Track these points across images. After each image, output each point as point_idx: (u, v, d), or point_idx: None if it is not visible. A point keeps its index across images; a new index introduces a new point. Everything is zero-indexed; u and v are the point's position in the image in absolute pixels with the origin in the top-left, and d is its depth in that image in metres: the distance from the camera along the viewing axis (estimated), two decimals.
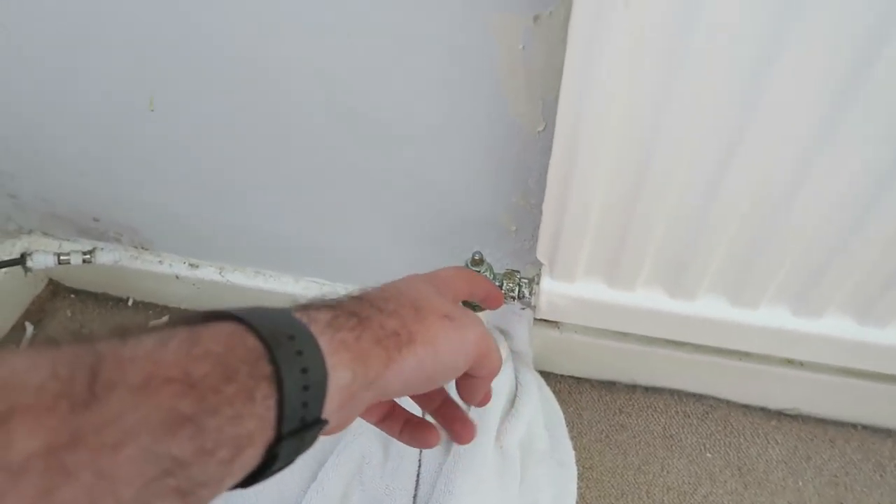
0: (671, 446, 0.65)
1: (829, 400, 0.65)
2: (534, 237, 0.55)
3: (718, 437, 0.66)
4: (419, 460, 0.54)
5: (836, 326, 0.46)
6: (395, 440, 0.35)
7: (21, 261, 0.68)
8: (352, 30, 0.42)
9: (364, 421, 0.33)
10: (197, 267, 0.70)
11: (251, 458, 0.20)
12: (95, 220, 0.68)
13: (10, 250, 0.71)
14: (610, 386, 0.70)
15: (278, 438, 0.20)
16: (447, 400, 0.35)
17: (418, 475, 0.54)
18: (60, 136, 0.58)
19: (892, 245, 0.39)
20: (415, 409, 0.36)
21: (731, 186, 0.38)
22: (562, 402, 0.62)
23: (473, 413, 0.40)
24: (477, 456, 0.52)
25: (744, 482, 0.63)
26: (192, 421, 0.18)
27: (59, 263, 0.68)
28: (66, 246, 0.72)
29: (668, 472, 0.64)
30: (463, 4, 0.38)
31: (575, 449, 0.59)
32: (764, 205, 0.39)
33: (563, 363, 0.69)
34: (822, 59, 0.31)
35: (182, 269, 0.70)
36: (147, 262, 0.70)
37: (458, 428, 0.33)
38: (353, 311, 0.25)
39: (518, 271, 0.51)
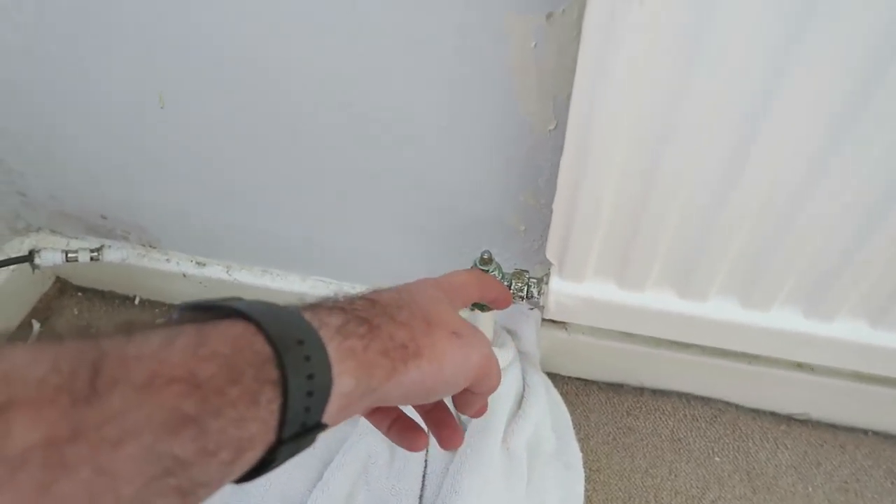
0: (679, 450, 0.65)
1: (840, 405, 0.64)
2: (543, 237, 0.55)
3: (727, 441, 0.65)
4: (425, 461, 0.54)
5: (849, 329, 0.45)
6: None
7: (29, 258, 0.68)
8: (361, 29, 0.42)
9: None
10: (204, 265, 0.70)
11: (251, 459, 0.20)
12: (103, 217, 0.68)
13: (19, 248, 0.71)
14: (617, 388, 0.69)
15: (278, 441, 0.20)
16: (440, 404, 0.35)
17: (424, 476, 0.54)
18: (70, 134, 0.58)
19: None
20: (408, 408, 0.36)
21: (743, 187, 0.37)
22: (569, 403, 0.61)
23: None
24: (483, 457, 0.51)
25: (752, 487, 0.62)
26: (196, 422, 0.18)
27: (67, 261, 0.68)
28: (74, 244, 0.72)
29: (675, 475, 0.63)
30: (475, 3, 0.38)
31: (582, 451, 0.59)
32: (776, 206, 0.38)
33: (570, 365, 0.69)
34: (837, 62, 0.30)
35: (189, 268, 0.70)
36: (154, 261, 0.71)
37: (447, 434, 0.32)
38: (364, 316, 0.25)
39: (527, 271, 0.50)
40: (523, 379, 0.59)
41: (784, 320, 0.46)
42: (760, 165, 0.36)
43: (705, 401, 0.68)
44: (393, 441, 0.32)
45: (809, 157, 0.35)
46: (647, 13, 0.30)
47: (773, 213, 0.39)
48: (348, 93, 0.47)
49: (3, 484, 0.14)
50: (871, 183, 0.36)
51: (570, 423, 0.60)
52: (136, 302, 0.78)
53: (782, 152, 0.35)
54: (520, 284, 0.50)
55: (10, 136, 0.61)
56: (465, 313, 0.65)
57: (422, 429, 0.32)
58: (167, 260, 0.70)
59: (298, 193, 0.58)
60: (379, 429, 0.33)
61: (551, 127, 0.45)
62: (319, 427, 0.22)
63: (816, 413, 0.66)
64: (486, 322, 0.56)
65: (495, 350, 0.54)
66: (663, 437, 0.66)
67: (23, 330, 0.74)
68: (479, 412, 0.33)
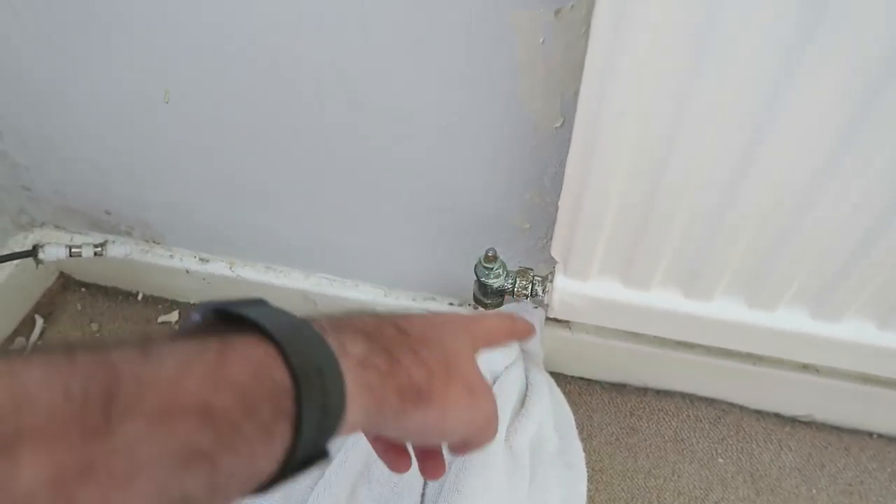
0: (682, 450, 0.65)
1: (845, 407, 0.64)
2: (547, 235, 0.55)
3: (730, 443, 0.65)
4: None
5: (856, 330, 0.45)
6: None
7: (33, 253, 0.68)
8: (367, 26, 0.42)
9: None
10: (207, 262, 0.70)
11: (252, 488, 0.20)
12: (107, 213, 0.68)
13: (23, 242, 0.71)
14: (621, 388, 0.69)
15: (283, 471, 0.20)
16: None
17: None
18: (75, 129, 0.58)
19: None
20: None
21: (750, 187, 0.37)
22: (572, 403, 0.61)
23: None
24: (486, 456, 0.51)
25: (756, 489, 0.62)
26: (208, 458, 0.17)
27: (71, 256, 0.68)
28: (78, 239, 0.72)
29: (678, 476, 0.63)
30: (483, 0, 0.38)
31: (585, 451, 0.59)
32: (783, 206, 0.38)
33: (573, 364, 0.69)
34: (846, 63, 0.30)
35: (192, 264, 0.70)
36: (158, 256, 0.71)
37: (430, 464, 0.31)
38: (388, 346, 0.24)
39: (531, 269, 0.50)
40: (526, 378, 0.58)
41: (790, 321, 0.45)
42: (768, 165, 0.36)
43: (709, 401, 0.68)
44: (376, 453, 0.32)
45: (818, 158, 0.35)
46: (657, 10, 0.30)
47: (780, 214, 0.39)
48: (354, 90, 0.46)
49: None
50: (879, 184, 0.36)
51: (573, 422, 0.60)
52: (139, 298, 0.78)
53: (790, 153, 0.35)
54: (524, 283, 0.49)
55: (15, 130, 0.61)
56: (467, 311, 0.65)
57: (407, 452, 0.32)
58: (171, 256, 0.70)
59: (302, 190, 0.57)
60: (367, 438, 0.32)
61: (557, 124, 0.44)
62: (324, 456, 0.21)
63: (821, 415, 0.66)
64: None
65: (497, 349, 0.54)
66: (666, 437, 0.65)
67: (26, 325, 0.74)
68: (465, 454, 0.33)
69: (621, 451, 0.64)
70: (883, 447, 0.65)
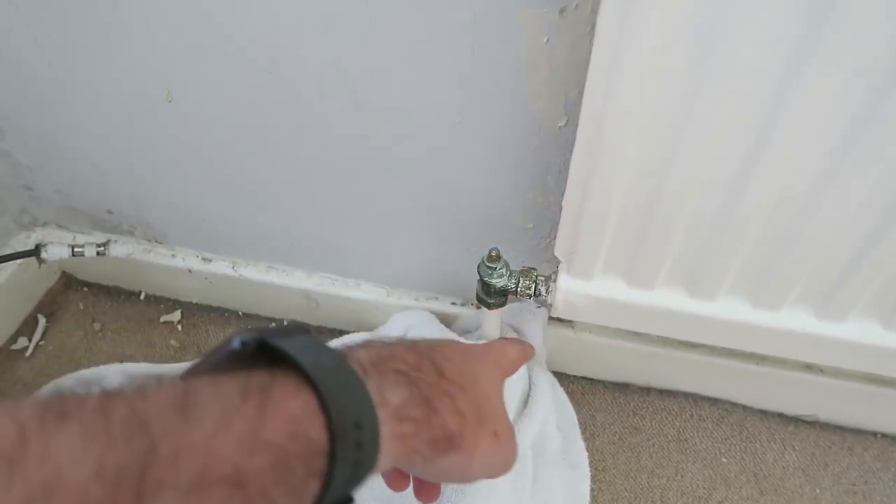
0: (685, 450, 0.64)
1: (849, 407, 0.63)
2: (550, 235, 0.54)
3: (734, 442, 0.65)
4: None
5: (861, 330, 0.45)
6: None
7: (35, 252, 0.68)
8: (371, 25, 0.41)
9: None
10: (210, 261, 0.70)
11: None
12: (109, 212, 0.68)
13: (25, 242, 0.71)
14: (624, 388, 0.69)
15: None
16: None
17: None
18: (77, 128, 0.58)
19: None
20: None
21: (755, 187, 0.37)
22: (575, 403, 0.61)
23: None
24: None
25: (759, 488, 0.62)
26: None
27: (73, 255, 0.68)
28: (81, 238, 0.72)
29: (682, 476, 0.63)
30: None
31: (588, 450, 0.59)
32: (788, 206, 0.38)
33: (576, 364, 0.69)
34: (853, 61, 0.30)
35: (195, 263, 0.70)
36: (160, 256, 0.70)
37: (426, 488, 0.32)
38: (427, 395, 0.24)
39: (535, 269, 0.50)
40: (529, 377, 0.58)
41: (795, 320, 0.45)
42: (773, 166, 0.36)
43: (712, 401, 0.67)
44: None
45: (823, 159, 0.35)
46: (662, 10, 0.30)
47: (785, 214, 0.38)
48: (356, 90, 0.46)
49: None
50: (884, 184, 0.35)
51: (576, 422, 0.60)
52: (142, 297, 0.78)
53: (795, 153, 0.35)
54: (528, 282, 0.49)
55: (17, 130, 0.60)
56: (471, 311, 0.65)
57: (406, 474, 0.31)
58: (173, 255, 0.70)
59: (305, 190, 0.57)
60: None
61: (561, 124, 0.44)
62: (349, 501, 0.21)
63: (825, 415, 0.65)
64: (492, 320, 0.55)
65: None
66: (669, 437, 0.65)
67: (28, 325, 0.74)
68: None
69: (624, 451, 0.64)
70: (887, 447, 0.64)
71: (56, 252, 0.67)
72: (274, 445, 0.18)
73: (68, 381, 0.56)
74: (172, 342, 0.74)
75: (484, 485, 0.50)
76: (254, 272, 0.69)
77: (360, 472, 0.21)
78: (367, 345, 0.25)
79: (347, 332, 0.69)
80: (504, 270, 0.49)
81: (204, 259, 0.70)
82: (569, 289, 0.47)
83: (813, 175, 0.36)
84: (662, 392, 0.68)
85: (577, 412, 0.60)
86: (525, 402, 0.57)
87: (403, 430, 0.23)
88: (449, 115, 0.46)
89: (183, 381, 0.19)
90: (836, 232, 0.39)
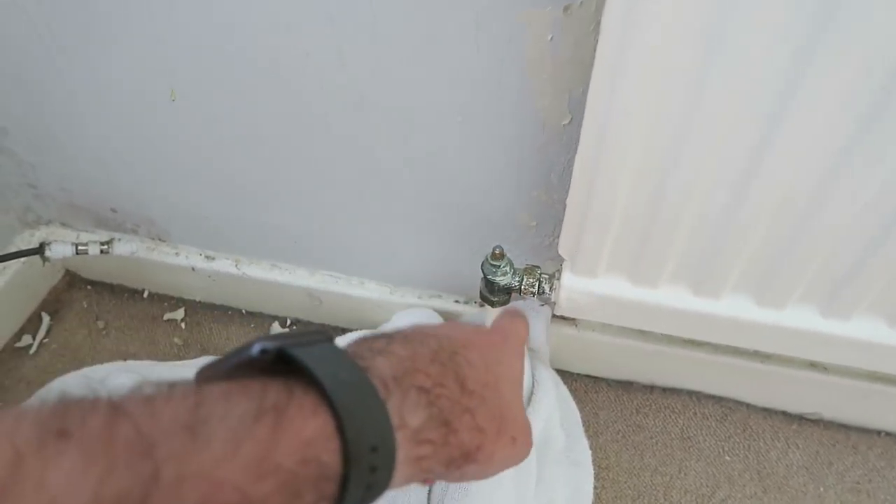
0: (689, 448, 0.64)
1: (853, 405, 0.63)
2: (554, 233, 0.54)
3: (737, 440, 0.65)
4: None
5: (867, 328, 0.44)
6: None
7: (40, 250, 0.68)
8: (374, 23, 0.41)
9: None
10: (213, 259, 0.70)
11: None
12: (113, 211, 0.68)
13: (29, 240, 0.71)
14: (627, 386, 0.69)
15: None
16: None
17: None
18: (81, 126, 0.58)
19: None
20: None
21: (761, 186, 0.37)
22: (578, 401, 0.61)
23: None
24: None
25: (763, 486, 0.62)
26: None
27: (77, 253, 0.68)
28: (84, 236, 0.72)
29: (685, 474, 0.63)
30: None
31: (591, 449, 0.59)
32: (794, 205, 0.38)
33: (579, 362, 0.69)
34: (859, 61, 0.30)
35: (198, 261, 0.70)
36: (163, 254, 0.71)
37: None
38: (447, 416, 0.23)
39: (538, 267, 0.50)
40: (532, 375, 0.58)
41: (800, 319, 0.45)
42: (778, 165, 0.35)
43: (716, 399, 0.67)
44: None
45: (829, 158, 0.35)
46: (668, 8, 0.30)
47: (790, 213, 0.38)
48: (361, 87, 0.46)
49: None
50: (891, 183, 0.35)
51: (580, 420, 0.60)
52: (145, 295, 0.78)
53: (801, 153, 0.35)
54: (531, 280, 0.49)
55: (21, 128, 0.61)
56: (474, 309, 0.65)
57: None
58: (176, 253, 0.70)
59: (308, 188, 0.57)
60: None
61: (565, 122, 0.44)
62: None
63: (828, 413, 0.65)
64: (494, 316, 0.55)
65: None
66: (673, 435, 0.65)
67: (32, 323, 0.75)
68: None
69: (628, 449, 0.64)
70: (891, 445, 0.64)
71: (60, 250, 0.67)
72: (284, 470, 0.18)
73: (73, 379, 0.56)
74: (176, 340, 0.74)
75: (488, 484, 0.50)
76: (257, 270, 0.69)
77: (371, 494, 0.20)
78: (389, 351, 0.24)
79: (350, 331, 0.69)
80: (508, 268, 0.49)
81: (207, 257, 0.70)
82: (572, 287, 0.47)
83: (819, 174, 0.36)
84: (666, 390, 0.68)
85: (581, 410, 0.60)
86: (528, 400, 0.57)
87: (420, 453, 0.22)
88: (452, 113, 0.46)
89: (195, 393, 0.18)
90: (842, 231, 0.38)
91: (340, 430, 0.19)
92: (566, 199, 0.42)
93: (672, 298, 0.46)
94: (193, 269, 0.70)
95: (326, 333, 0.22)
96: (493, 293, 0.51)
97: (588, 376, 0.69)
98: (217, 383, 0.19)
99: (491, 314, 0.54)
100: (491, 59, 0.41)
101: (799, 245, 0.40)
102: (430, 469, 0.23)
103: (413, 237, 0.60)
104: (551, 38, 0.39)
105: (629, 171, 0.38)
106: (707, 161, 0.36)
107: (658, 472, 0.63)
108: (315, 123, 0.51)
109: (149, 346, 0.73)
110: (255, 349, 0.20)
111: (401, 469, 0.21)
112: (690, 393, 0.68)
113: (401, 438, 0.21)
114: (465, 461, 0.24)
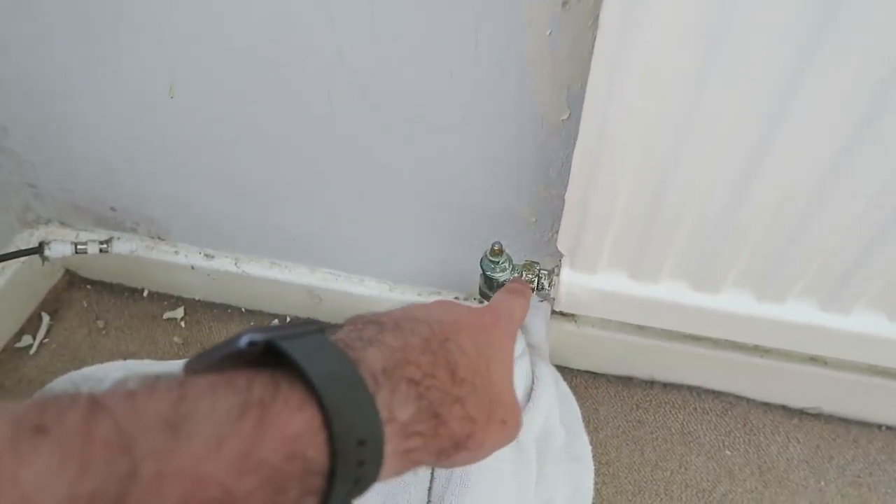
0: (689, 443, 0.64)
1: (853, 399, 0.63)
2: (553, 229, 0.54)
3: (738, 435, 0.65)
4: None
5: (867, 323, 0.44)
6: None
7: (39, 250, 0.68)
8: (375, 20, 0.41)
9: None
10: (212, 258, 0.70)
11: None
12: (112, 209, 0.68)
13: (29, 240, 0.71)
14: (627, 381, 0.69)
15: None
16: None
17: (433, 468, 0.53)
18: (81, 125, 0.58)
19: None
20: None
21: (761, 182, 0.37)
22: (578, 397, 0.61)
23: None
24: None
25: (764, 481, 0.62)
26: None
27: (77, 252, 0.68)
28: (84, 236, 0.72)
29: (686, 469, 0.63)
30: None
31: (591, 444, 0.59)
32: (793, 202, 0.38)
33: (579, 357, 0.69)
34: (861, 59, 0.30)
35: (198, 260, 0.70)
36: (163, 253, 0.71)
37: None
38: (437, 409, 0.23)
39: (537, 262, 0.50)
40: (532, 372, 0.58)
41: (800, 313, 0.45)
42: (779, 162, 0.35)
43: (716, 394, 0.67)
44: None
45: (829, 156, 0.35)
46: (667, 4, 0.30)
47: (790, 209, 0.38)
48: (361, 85, 0.46)
49: None
50: (891, 181, 0.35)
51: (580, 415, 0.60)
52: (145, 294, 0.78)
53: (801, 150, 0.35)
54: (530, 276, 0.49)
55: (21, 127, 0.60)
56: (473, 305, 0.65)
57: None
58: (176, 252, 0.70)
59: (308, 186, 0.57)
60: None
61: (564, 117, 0.44)
62: None
63: (829, 407, 0.65)
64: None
65: None
66: (673, 430, 0.65)
67: (32, 323, 0.75)
68: None
69: (628, 444, 0.64)
70: (892, 439, 0.64)
71: (59, 249, 0.67)
72: (269, 466, 0.17)
73: (74, 377, 0.56)
74: (176, 339, 0.74)
75: (488, 480, 0.50)
76: (257, 268, 0.69)
77: (359, 487, 0.20)
78: (380, 340, 0.23)
79: None
80: (507, 264, 0.49)
81: (207, 256, 0.70)
82: (572, 282, 0.47)
83: (819, 173, 0.36)
84: (666, 385, 0.68)
85: (581, 406, 0.60)
86: (528, 396, 0.57)
87: (409, 446, 0.22)
88: (452, 109, 0.46)
89: (179, 387, 0.18)
90: (842, 228, 0.38)
91: (327, 424, 0.19)
92: (565, 195, 0.42)
93: (672, 293, 0.46)
94: (193, 267, 0.70)
95: (318, 324, 0.22)
96: (492, 289, 0.51)
97: (588, 372, 0.69)
98: (203, 376, 0.19)
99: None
100: (491, 55, 0.41)
101: (799, 242, 0.40)
102: (419, 460, 0.23)
103: (413, 234, 0.60)
104: (550, 34, 0.39)
105: (628, 168, 0.38)
106: (707, 158, 0.36)
107: (658, 467, 0.63)
108: (315, 123, 0.50)
109: (149, 345, 0.73)
110: (244, 341, 0.20)
111: (389, 462, 0.21)
112: (690, 388, 0.68)
113: (389, 432, 0.21)
114: (455, 450, 0.24)
